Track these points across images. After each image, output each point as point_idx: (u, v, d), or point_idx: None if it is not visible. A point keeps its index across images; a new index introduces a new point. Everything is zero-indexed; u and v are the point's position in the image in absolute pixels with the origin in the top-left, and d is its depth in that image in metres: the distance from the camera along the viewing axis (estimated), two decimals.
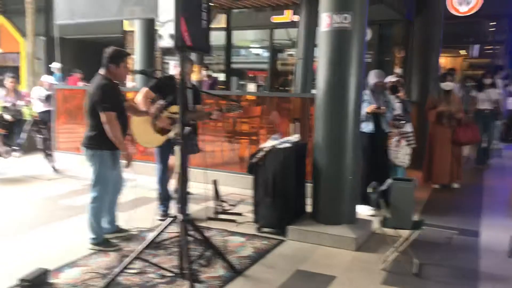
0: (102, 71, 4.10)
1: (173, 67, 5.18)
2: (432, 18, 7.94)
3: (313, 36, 8.83)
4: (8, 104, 8.06)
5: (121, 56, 4.09)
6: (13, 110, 7.93)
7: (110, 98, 3.97)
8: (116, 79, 4.14)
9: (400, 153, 5.86)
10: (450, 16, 10.42)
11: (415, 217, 4.14)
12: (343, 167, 4.51)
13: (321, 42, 4.52)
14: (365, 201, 5.33)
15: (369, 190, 3.84)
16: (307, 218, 4.74)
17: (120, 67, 4.06)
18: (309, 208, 4.89)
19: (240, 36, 15.09)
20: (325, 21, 4.41)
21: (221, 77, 15.04)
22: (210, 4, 3.29)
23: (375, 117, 5.53)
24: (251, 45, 15.53)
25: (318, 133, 4.59)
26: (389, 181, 3.91)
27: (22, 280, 3.34)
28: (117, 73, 4.08)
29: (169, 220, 3.53)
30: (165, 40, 3.21)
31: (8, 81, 8.81)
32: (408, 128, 6.50)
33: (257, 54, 15.51)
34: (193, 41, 3.23)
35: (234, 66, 15.02)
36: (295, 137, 4.93)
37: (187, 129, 3.59)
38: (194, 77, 10.10)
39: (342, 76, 4.40)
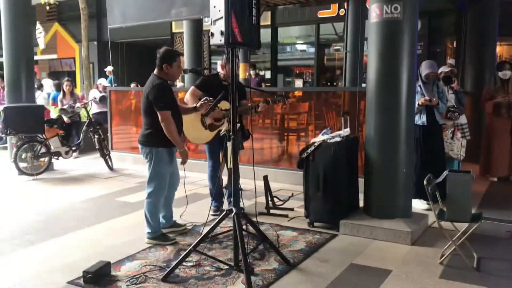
0: (156, 71, 4.22)
1: (219, 66, 5.26)
2: (488, 7, 7.65)
3: (362, 29, 8.70)
4: (65, 107, 8.47)
5: (173, 56, 4.19)
6: (70, 112, 8.31)
7: (166, 97, 4.09)
8: (169, 79, 4.25)
9: (455, 145, 5.69)
10: (506, 2, 9.97)
11: (473, 210, 4.01)
12: (397, 160, 4.43)
13: (371, 34, 4.46)
14: (420, 195, 5.23)
15: (425, 182, 3.76)
16: (360, 213, 4.69)
17: (173, 67, 4.17)
18: (361, 203, 4.84)
19: (286, 33, 15.08)
20: (375, 12, 4.34)
21: (267, 74, 15.11)
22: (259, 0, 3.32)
23: (428, 109, 5.39)
24: (297, 41, 15.47)
25: (370, 127, 4.53)
26: (445, 173, 3.80)
27: (86, 272, 3.50)
28: (170, 73, 4.19)
29: (224, 213, 3.59)
30: (216, 38, 3.27)
31: (65, 84, 9.27)
32: (463, 119, 6.32)
33: (303, 50, 15.43)
34: (243, 37, 3.27)
35: (280, 63, 15.04)
36: (345, 131, 4.89)
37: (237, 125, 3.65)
38: (240, 75, 10.20)
39: (394, 67, 4.33)
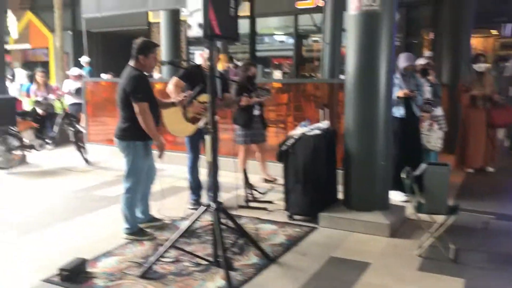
0: (132, 62, 4.13)
1: (199, 56, 5.19)
2: None
3: (340, 21, 8.70)
4: (39, 98, 8.25)
5: (150, 47, 4.10)
6: (45, 104, 8.10)
7: (142, 89, 4.00)
8: (146, 70, 4.16)
9: (432, 137, 5.75)
10: None
11: (450, 202, 4.06)
12: (375, 152, 4.45)
13: (349, 26, 4.44)
14: (398, 186, 5.26)
15: (403, 175, 3.77)
16: (339, 205, 4.70)
17: (150, 58, 4.08)
18: (340, 195, 4.85)
19: (264, 24, 14.99)
20: (354, 4, 4.32)
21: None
22: None
23: (406, 101, 5.42)
24: (276, 32, 15.41)
25: (348, 119, 4.53)
26: (423, 165, 3.83)
27: (61, 269, 3.43)
28: (147, 64, 4.10)
29: (203, 208, 3.55)
30: (194, 30, 3.21)
31: (38, 75, 9.02)
32: (439, 111, 6.37)
33: (282, 41, 15.37)
34: (221, 29, 3.22)
35: (258, 54, 14.96)
36: (324, 124, 4.88)
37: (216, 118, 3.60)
38: (219, 66, 10.11)
39: (372, 60, 4.32)
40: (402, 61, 5.42)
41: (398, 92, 5.26)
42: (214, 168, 3.51)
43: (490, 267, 3.63)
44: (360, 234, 4.31)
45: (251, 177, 5.48)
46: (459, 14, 7.74)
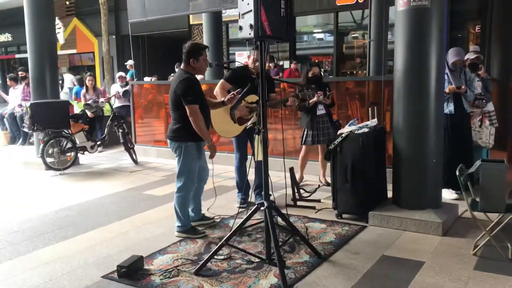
0: (182, 65, 4.23)
1: (248, 58, 5.24)
2: None
3: (385, 17, 8.55)
4: (89, 102, 8.55)
5: (199, 50, 4.18)
6: (94, 107, 8.39)
7: (193, 91, 4.09)
8: (196, 73, 4.25)
9: (484, 133, 5.59)
10: None
11: (507, 200, 3.94)
12: (426, 150, 4.38)
13: (398, 22, 4.38)
14: (449, 184, 5.17)
15: (457, 173, 3.70)
16: (389, 204, 4.65)
17: (200, 61, 4.16)
18: (390, 194, 4.80)
19: (304, 22, 14.95)
20: (402, 0, 4.27)
21: (286, 64, 15.02)
22: None
23: (455, 97, 5.30)
24: (315, 30, 15.32)
25: (398, 116, 4.48)
26: (478, 162, 3.74)
27: (120, 266, 3.55)
28: (197, 67, 4.19)
29: (256, 207, 3.60)
30: (245, 31, 3.25)
31: (87, 79, 9.36)
32: (490, 107, 6.19)
33: (321, 39, 15.28)
34: (272, 30, 3.25)
35: (298, 52, 14.93)
36: (373, 122, 4.84)
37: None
38: None
39: (422, 56, 4.25)
40: (451, 56, 5.30)
41: (446, 88, 5.16)
42: (265, 167, 3.54)
43: None
44: (412, 233, 4.26)
45: (297, 176, 5.49)
46: (509, 5, 7.48)
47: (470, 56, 6.27)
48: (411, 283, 3.31)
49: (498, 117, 6.32)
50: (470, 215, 3.76)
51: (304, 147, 5.86)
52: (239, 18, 3.30)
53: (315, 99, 5.51)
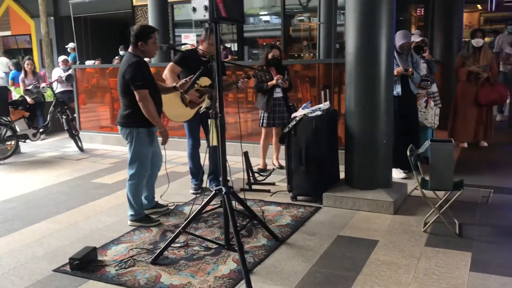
0: (130, 49, 4.06)
1: (200, 42, 5.12)
2: None
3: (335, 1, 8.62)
4: (29, 87, 8.11)
5: (148, 32, 4.03)
6: (35, 93, 7.96)
7: (142, 75, 3.94)
8: (146, 56, 4.09)
9: (429, 114, 5.79)
10: None
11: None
12: (377, 131, 4.48)
13: (348, 5, 4.41)
14: (397, 164, 5.33)
15: (408, 153, 3.81)
16: (342, 184, 4.74)
17: (149, 44, 4.01)
18: (342, 175, 4.89)
19: (250, 4, 14.83)
20: None
21: (234, 47, 14.89)
22: None
23: (402, 79, 5.44)
24: (261, 12, 15.25)
25: (350, 98, 4.54)
26: (427, 143, 3.87)
27: (72, 258, 3.40)
28: (146, 50, 4.03)
29: (213, 193, 3.54)
30: (199, 13, 3.15)
31: (26, 63, 8.86)
32: (434, 88, 6.42)
33: (268, 21, 15.25)
34: (227, 12, 3.16)
35: (246, 35, 14.84)
36: (325, 105, 4.89)
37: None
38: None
39: (373, 38, 4.31)
40: (398, 38, 5.41)
41: (394, 70, 5.27)
42: (223, 152, 3.49)
43: (495, 240, 3.71)
44: (365, 213, 4.37)
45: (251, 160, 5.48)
46: None
47: (415, 38, 6.45)
48: (367, 262, 3.39)
49: (441, 98, 6.58)
50: (420, 194, 3.90)
51: (263, 129, 5.83)
52: None
53: (274, 81, 5.50)
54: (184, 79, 4.34)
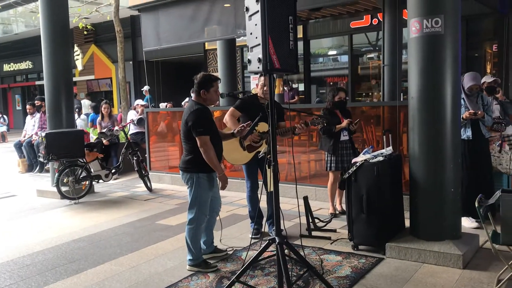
0: (193, 96, 4.22)
1: (256, 86, 5.22)
2: None
3: (399, 41, 8.47)
4: (104, 130, 8.62)
5: (210, 81, 4.17)
6: (109, 136, 8.44)
7: (204, 122, 4.07)
8: (208, 104, 4.22)
9: (504, 159, 5.42)
10: None
11: None
12: (444, 178, 4.24)
13: (411, 49, 4.31)
14: (468, 213, 5.01)
15: (476, 204, 3.56)
16: (406, 234, 4.51)
17: (210, 92, 4.15)
18: (407, 222, 4.66)
19: (318, 44, 14.98)
20: (414, 27, 4.20)
21: (301, 87, 15.01)
22: (296, 25, 3.24)
23: (473, 122, 5.17)
24: (329, 52, 15.32)
25: (413, 144, 4.36)
26: (497, 193, 3.60)
27: None
28: (208, 98, 4.17)
29: (267, 243, 3.50)
30: (254, 65, 3.22)
31: (103, 107, 9.46)
32: (509, 131, 6.03)
33: (336, 60, 15.27)
34: (281, 63, 3.20)
35: (313, 74, 14.93)
36: (388, 150, 4.73)
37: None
38: (275, 91, 10.15)
39: (437, 83, 4.16)
40: (467, 80, 5.18)
41: (463, 114, 5.03)
42: (276, 201, 3.46)
43: None
44: (431, 266, 4.10)
45: (312, 203, 5.38)
46: None
47: (487, 79, 6.15)
48: None
49: None
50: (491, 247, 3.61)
51: (330, 174, 5.74)
52: (248, 51, 3.27)
53: (343, 124, 5.45)
54: (241, 125, 4.41)
